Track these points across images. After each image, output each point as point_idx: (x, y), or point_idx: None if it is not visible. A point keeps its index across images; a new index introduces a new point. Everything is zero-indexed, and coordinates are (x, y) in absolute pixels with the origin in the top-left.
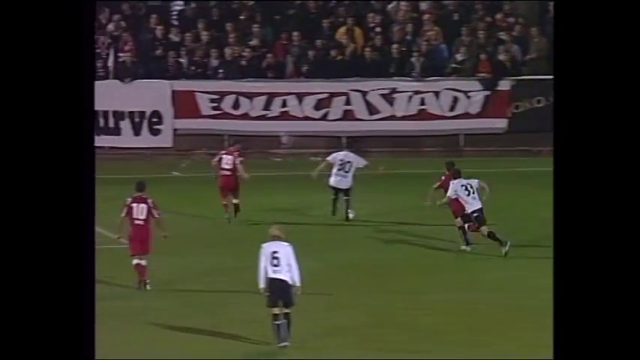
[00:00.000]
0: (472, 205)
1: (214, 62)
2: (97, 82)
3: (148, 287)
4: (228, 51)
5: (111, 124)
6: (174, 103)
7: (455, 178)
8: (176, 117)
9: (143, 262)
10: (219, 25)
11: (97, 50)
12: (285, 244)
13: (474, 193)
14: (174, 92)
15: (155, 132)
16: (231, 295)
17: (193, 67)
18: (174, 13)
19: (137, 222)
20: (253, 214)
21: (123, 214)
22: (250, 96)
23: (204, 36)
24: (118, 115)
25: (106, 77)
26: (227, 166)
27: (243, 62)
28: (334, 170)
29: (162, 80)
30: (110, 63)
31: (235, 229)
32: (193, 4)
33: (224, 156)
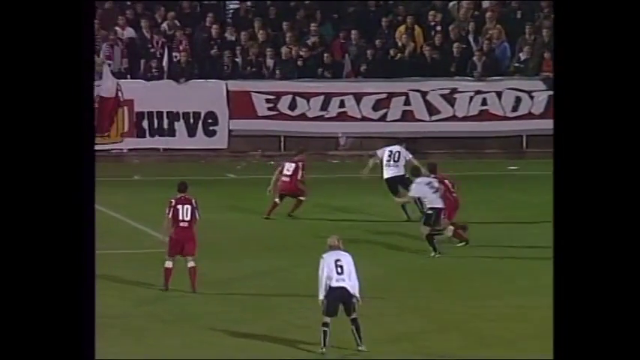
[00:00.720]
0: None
1: (270, 62)
2: (151, 83)
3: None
4: (284, 50)
5: (165, 125)
6: (230, 104)
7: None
8: (231, 118)
9: (191, 264)
10: (276, 23)
11: (152, 50)
12: (346, 253)
13: (436, 192)
14: (229, 92)
15: (210, 133)
16: (286, 298)
17: (249, 67)
18: (230, 11)
19: (182, 223)
20: (310, 216)
21: (169, 216)
22: (307, 96)
23: (261, 35)
24: (173, 116)
25: (160, 77)
26: (288, 172)
27: (300, 62)
28: (385, 163)
29: (218, 80)
30: (164, 63)
31: (291, 232)
32: (249, 3)
33: (287, 164)
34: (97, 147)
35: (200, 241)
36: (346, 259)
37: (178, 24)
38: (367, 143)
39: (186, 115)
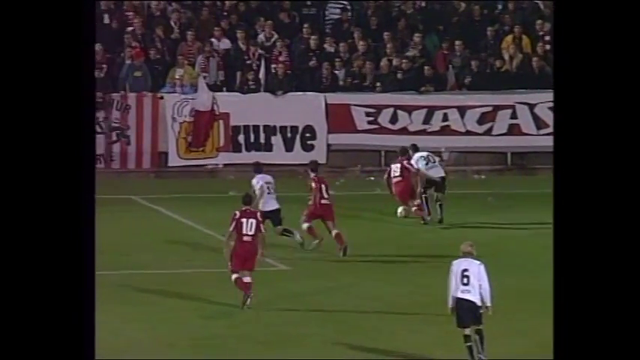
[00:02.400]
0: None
1: (371, 74)
2: (247, 96)
3: (248, 303)
4: (385, 62)
5: (262, 139)
6: (329, 117)
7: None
8: (330, 132)
9: (247, 279)
10: (377, 34)
11: (248, 62)
12: (477, 262)
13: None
14: (328, 106)
15: (308, 148)
16: (389, 319)
17: (349, 79)
18: (329, 22)
19: (245, 238)
20: (411, 233)
21: (231, 229)
22: (409, 109)
23: (361, 46)
24: (269, 130)
25: (257, 90)
26: (396, 173)
27: (401, 74)
28: (424, 165)
29: (316, 93)
30: (261, 75)
31: (390, 249)
32: (349, 13)
33: (392, 165)
34: (192, 162)
35: (302, 259)
36: (474, 269)
37: (276, 35)
38: (472, 158)
39: (283, 129)
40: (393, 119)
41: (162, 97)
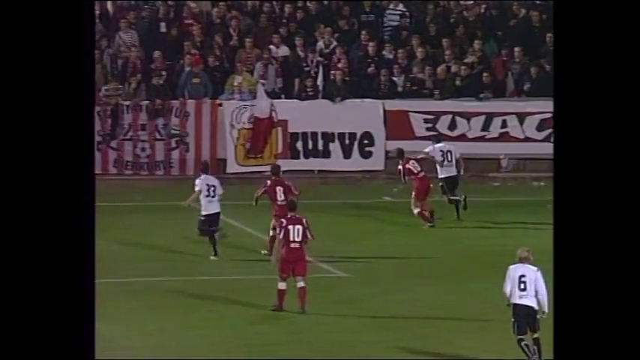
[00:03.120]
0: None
1: (429, 80)
2: (305, 102)
3: (305, 309)
4: (444, 68)
5: (320, 146)
6: (387, 124)
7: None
8: (388, 138)
9: (300, 284)
10: (436, 40)
11: (307, 68)
12: (534, 268)
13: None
14: (386, 112)
15: (366, 154)
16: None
17: (408, 85)
18: (388, 28)
19: (293, 244)
20: (468, 239)
21: (280, 236)
22: (468, 116)
23: (419, 52)
24: (328, 137)
25: (315, 97)
26: (417, 170)
27: (460, 80)
28: (439, 162)
29: (374, 100)
30: (320, 82)
31: (448, 259)
32: (408, 20)
33: (411, 161)
34: (250, 168)
35: (359, 266)
36: (532, 275)
37: (335, 42)
38: (531, 165)
39: (341, 135)
40: (452, 126)
41: (221, 104)
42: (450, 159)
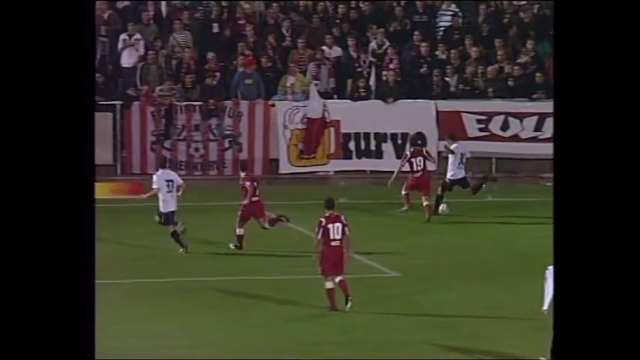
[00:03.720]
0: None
1: (482, 81)
2: (358, 103)
3: (349, 305)
4: (496, 68)
5: (372, 146)
6: (439, 124)
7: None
8: (441, 139)
9: (339, 277)
10: (488, 41)
11: (359, 69)
12: None
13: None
14: (439, 112)
15: None
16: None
17: (460, 86)
18: (441, 29)
19: (334, 243)
20: (519, 240)
21: (319, 236)
22: (520, 116)
23: (473, 52)
24: (380, 137)
25: (367, 97)
26: (419, 168)
27: (513, 81)
28: (453, 161)
29: (427, 100)
30: (372, 82)
31: (498, 259)
32: (460, 20)
33: (412, 160)
34: (303, 169)
35: (409, 265)
36: None
37: (388, 42)
38: None
39: (394, 136)
40: (504, 126)
41: (273, 105)
42: (463, 161)
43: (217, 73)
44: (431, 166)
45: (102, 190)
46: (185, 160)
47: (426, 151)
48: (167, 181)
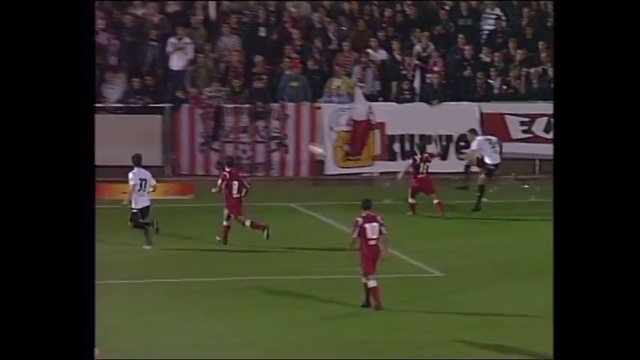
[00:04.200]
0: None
1: (525, 83)
2: (402, 105)
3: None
4: (540, 71)
5: (417, 148)
6: (483, 126)
7: None
8: None
9: (374, 283)
10: (532, 44)
11: (404, 72)
12: None
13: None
14: (482, 115)
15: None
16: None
17: (504, 88)
18: (485, 32)
19: (371, 242)
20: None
21: (355, 235)
22: None
23: (519, 54)
24: (425, 139)
25: (412, 100)
26: (423, 171)
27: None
28: (489, 147)
29: (471, 102)
30: (417, 85)
31: (543, 259)
32: (504, 24)
33: (420, 164)
34: (348, 170)
35: (453, 265)
36: None
37: (432, 46)
38: None
39: (438, 138)
40: (547, 128)
41: (319, 107)
42: (492, 146)
43: (264, 76)
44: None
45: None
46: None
47: (432, 156)
48: (141, 179)
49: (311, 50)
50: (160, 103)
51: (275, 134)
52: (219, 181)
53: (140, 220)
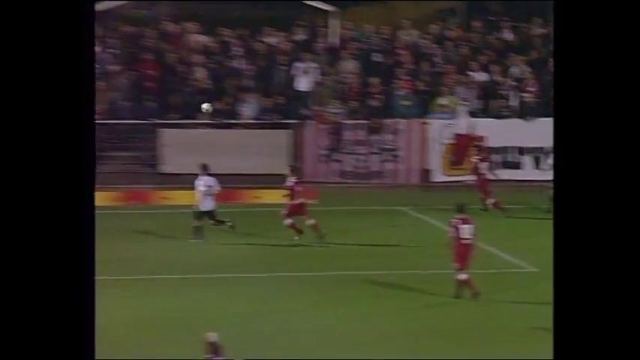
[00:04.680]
0: None
1: None
2: (501, 121)
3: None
4: None
5: (513, 159)
6: None
7: None
8: None
9: (465, 276)
10: None
11: (501, 91)
12: None
13: None
14: None
15: None
16: None
17: None
18: None
19: (464, 241)
20: None
21: (452, 235)
22: None
23: None
24: (520, 151)
25: (509, 116)
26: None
27: None
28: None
29: None
30: (514, 103)
31: None
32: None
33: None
34: (453, 178)
35: (547, 261)
36: None
37: (527, 68)
38: None
39: (532, 150)
40: None
41: (427, 123)
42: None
43: (379, 96)
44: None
45: (280, 196)
46: (351, 170)
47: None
48: (207, 186)
49: (420, 72)
50: (288, 119)
51: (388, 146)
52: (296, 189)
53: (209, 220)
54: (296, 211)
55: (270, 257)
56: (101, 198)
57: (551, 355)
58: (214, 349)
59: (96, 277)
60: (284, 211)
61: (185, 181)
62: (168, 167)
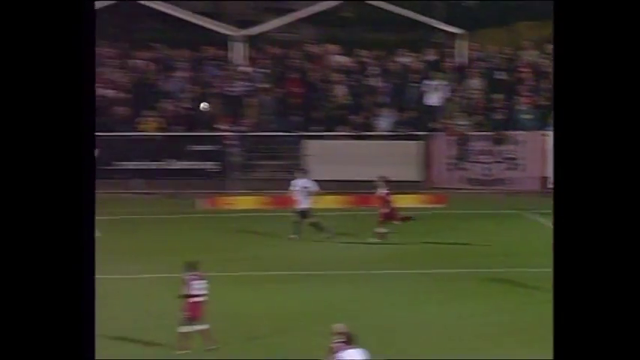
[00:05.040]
0: None
1: None
2: None
3: None
4: None
5: None
6: None
7: None
8: None
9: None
10: None
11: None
12: None
13: None
14: None
15: None
16: None
17: None
18: None
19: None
20: None
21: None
22: None
23: None
24: None
25: None
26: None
27: None
28: None
29: None
30: None
31: None
32: None
33: None
34: None
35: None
36: None
37: None
38: None
39: None
40: None
41: (547, 135)
42: None
43: (503, 110)
44: None
45: (411, 201)
46: (477, 177)
47: None
48: (304, 187)
49: (540, 89)
50: (419, 131)
51: (510, 156)
52: (387, 199)
53: (303, 219)
54: (389, 217)
55: (402, 255)
56: (251, 202)
57: (550, 355)
58: (346, 338)
59: (248, 273)
60: (379, 218)
61: (327, 187)
62: (311, 175)
